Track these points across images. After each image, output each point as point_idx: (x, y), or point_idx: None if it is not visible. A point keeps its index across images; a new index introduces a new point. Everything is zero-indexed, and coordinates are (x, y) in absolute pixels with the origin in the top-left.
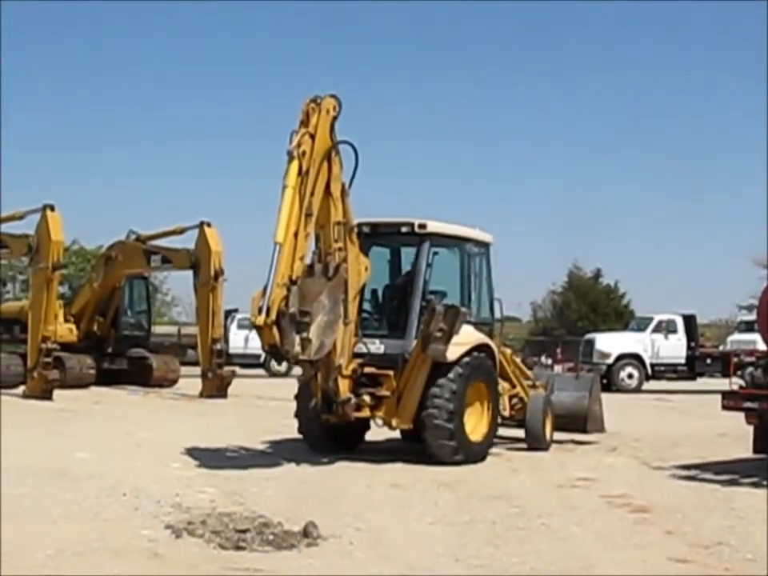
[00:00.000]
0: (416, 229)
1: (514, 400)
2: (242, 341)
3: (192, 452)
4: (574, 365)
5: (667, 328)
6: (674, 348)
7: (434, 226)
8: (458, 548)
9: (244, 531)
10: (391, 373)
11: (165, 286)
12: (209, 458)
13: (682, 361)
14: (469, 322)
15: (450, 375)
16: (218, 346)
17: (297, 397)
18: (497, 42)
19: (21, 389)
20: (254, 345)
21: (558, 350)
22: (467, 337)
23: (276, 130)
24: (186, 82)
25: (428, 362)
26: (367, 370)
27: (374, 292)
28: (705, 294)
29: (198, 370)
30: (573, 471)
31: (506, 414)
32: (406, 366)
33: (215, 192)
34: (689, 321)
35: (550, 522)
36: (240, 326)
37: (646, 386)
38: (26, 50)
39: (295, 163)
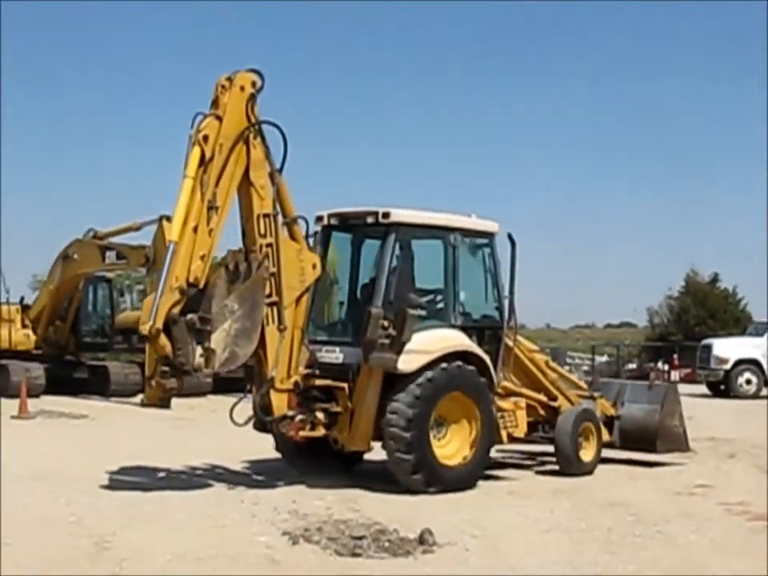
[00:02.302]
0: (380, 219)
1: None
2: None
3: None
4: (690, 371)
5: None
6: None
7: (399, 215)
8: (574, 555)
9: (360, 538)
10: (346, 386)
11: None
12: (324, 464)
13: None
14: (455, 326)
15: (417, 381)
16: None
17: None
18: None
19: (139, 397)
20: None
21: (675, 356)
22: (439, 342)
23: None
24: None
25: (378, 373)
26: (320, 382)
27: (350, 292)
28: None
29: None
30: (690, 478)
31: (519, 434)
32: (359, 378)
33: (340, 195)
34: None
35: (666, 529)
36: None
37: (765, 391)
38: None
39: (196, 150)
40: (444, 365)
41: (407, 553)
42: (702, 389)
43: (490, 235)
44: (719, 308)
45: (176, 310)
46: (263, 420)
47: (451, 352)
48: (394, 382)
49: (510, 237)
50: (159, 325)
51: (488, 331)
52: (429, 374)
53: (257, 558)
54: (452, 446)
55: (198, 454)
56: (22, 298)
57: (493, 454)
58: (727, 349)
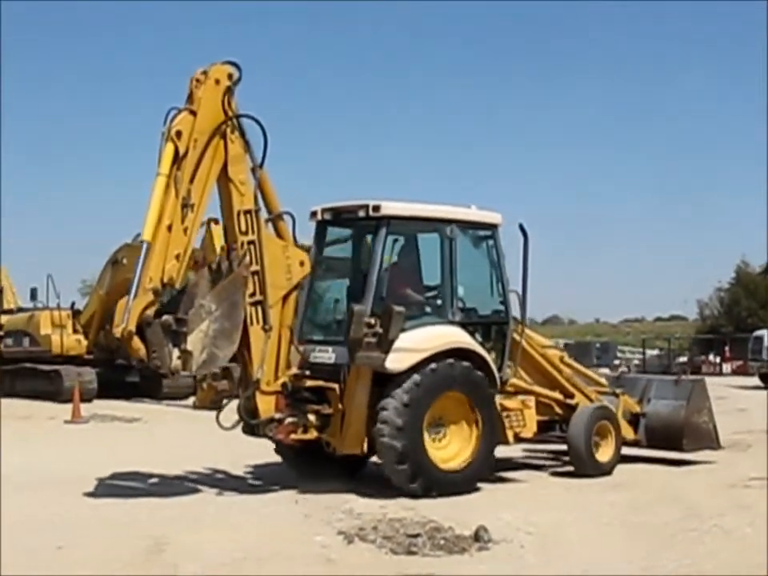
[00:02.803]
0: (371, 212)
1: None
2: None
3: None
4: (742, 362)
5: None
6: None
7: (389, 207)
8: (630, 550)
9: (415, 536)
10: (337, 387)
11: None
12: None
13: None
14: (453, 323)
15: (404, 385)
16: None
17: None
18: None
19: (191, 400)
20: None
21: (726, 348)
22: (433, 340)
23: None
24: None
25: (367, 373)
26: (311, 383)
27: (346, 289)
28: None
29: None
30: (745, 470)
31: (528, 434)
32: (349, 378)
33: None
34: None
35: (722, 522)
36: None
37: None
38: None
39: (169, 146)
40: (436, 363)
41: (463, 550)
42: (755, 380)
43: (492, 227)
44: None
45: (150, 312)
46: (250, 423)
47: (446, 349)
48: (386, 381)
49: (521, 228)
50: (132, 327)
51: (493, 327)
52: (418, 376)
53: (312, 557)
54: (452, 448)
55: (250, 455)
56: (73, 304)
57: (516, 453)
58: None
